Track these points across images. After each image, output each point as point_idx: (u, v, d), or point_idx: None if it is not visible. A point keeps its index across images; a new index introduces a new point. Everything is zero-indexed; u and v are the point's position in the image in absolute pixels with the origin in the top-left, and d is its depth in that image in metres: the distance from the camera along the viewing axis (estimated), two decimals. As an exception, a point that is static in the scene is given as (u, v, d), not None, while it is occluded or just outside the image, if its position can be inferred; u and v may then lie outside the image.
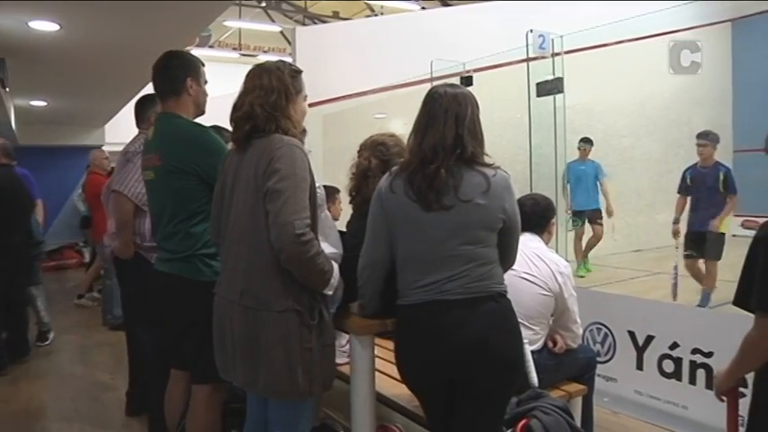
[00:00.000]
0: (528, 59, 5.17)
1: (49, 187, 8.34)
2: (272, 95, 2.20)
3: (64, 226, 10.29)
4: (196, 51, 13.11)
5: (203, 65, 2.83)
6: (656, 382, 3.85)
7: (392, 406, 3.03)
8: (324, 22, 16.17)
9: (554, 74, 5.01)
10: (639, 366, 3.94)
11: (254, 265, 2.17)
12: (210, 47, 17.46)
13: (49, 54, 5.31)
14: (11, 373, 4.98)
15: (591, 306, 4.08)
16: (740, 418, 1.98)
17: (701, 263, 5.92)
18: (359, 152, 2.78)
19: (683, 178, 6.19)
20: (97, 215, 6.32)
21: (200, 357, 2.54)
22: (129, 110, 3.87)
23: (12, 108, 7.39)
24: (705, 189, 5.91)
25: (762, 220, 1.88)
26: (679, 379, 3.74)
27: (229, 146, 2.39)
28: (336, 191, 4.07)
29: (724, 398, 2.04)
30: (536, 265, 2.93)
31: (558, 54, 5.06)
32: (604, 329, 4.12)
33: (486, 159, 2.14)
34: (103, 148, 8.50)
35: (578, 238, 8.15)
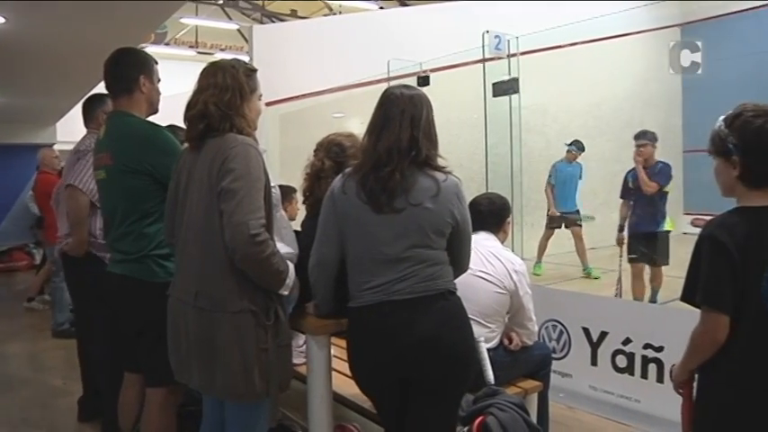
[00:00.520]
0: (484, 60, 5.22)
1: (-3, 187, 8.10)
2: (226, 94, 2.18)
3: (14, 227, 10.00)
4: (151, 48, 12.89)
5: (157, 62, 2.78)
6: (609, 376, 3.92)
7: (350, 405, 3.03)
8: (281, 20, 16.05)
9: (509, 74, 5.07)
10: (594, 362, 4.02)
11: (209, 266, 2.14)
12: (166, 44, 17.20)
13: (-6, 48, 5.16)
14: (-45, 381, 4.81)
15: (546, 303, 4.13)
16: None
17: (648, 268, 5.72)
18: (315, 152, 2.77)
19: (625, 182, 5.95)
20: (48, 216, 6.17)
21: (154, 360, 2.50)
22: (81, 107, 3.77)
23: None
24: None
25: (709, 218, 1.93)
26: (632, 373, 3.82)
27: (185, 146, 2.36)
28: (293, 190, 4.05)
29: (681, 390, 2.10)
30: (492, 263, 2.96)
31: (513, 55, 5.12)
32: (559, 326, 4.19)
33: (440, 162, 2.16)
34: (55, 146, 8.30)
35: (546, 237, 8.23)
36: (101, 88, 3.00)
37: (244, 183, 2.06)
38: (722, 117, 1.90)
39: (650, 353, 3.71)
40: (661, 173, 5.61)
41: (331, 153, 2.68)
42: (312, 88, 7.32)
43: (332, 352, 2.98)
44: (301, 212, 2.92)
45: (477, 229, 3.03)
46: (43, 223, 6.99)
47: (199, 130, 2.18)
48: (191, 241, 2.20)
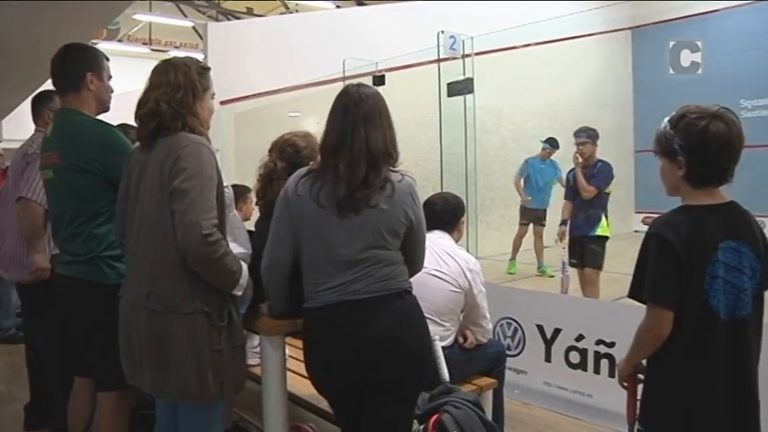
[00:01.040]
0: (439, 60, 5.25)
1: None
2: (178, 92, 2.15)
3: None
4: (103, 45, 12.66)
5: (107, 59, 2.72)
6: (563, 373, 3.99)
7: (305, 405, 3.03)
8: (237, 18, 15.89)
9: (464, 74, 5.10)
10: (548, 359, 4.08)
11: (161, 267, 2.11)
12: (119, 41, 16.86)
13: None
14: None
15: (501, 302, 4.18)
16: (639, 403, 2.09)
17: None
18: (269, 152, 2.75)
19: (568, 181, 5.82)
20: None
21: (105, 363, 2.45)
22: (29, 104, 3.66)
23: None
24: None
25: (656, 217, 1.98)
26: (584, 369, 3.89)
27: (136, 145, 2.32)
28: (248, 190, 4.01)
29: (626, 384, 2.15)
30: (446, 262, 2.98)
31: (468, 55, 5.16)
32: (514, 324, 4.24)
33: (397, 162, 2.16)
34: (1, 144, 8.04)
35: (519, 236, 8.29)
36: (49, 85, 2.92)
37: (196, 182, 2.04)
38: (667, 118, 1.95)
39: (602, 348, 3.79)
40: (600, 174, 5.42)
41: (284, 154, 2.67)
42: (268, 87, 7.27)
43: (287, 352, 2.98)
44: (257, 212, 2.90)
45: (431, 228, 3.04)
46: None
47: (150, 129, 2.15)
48: (142, 242, 2.16)
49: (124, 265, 2.37)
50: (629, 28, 12.21)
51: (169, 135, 2.13)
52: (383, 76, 6.03)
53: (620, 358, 2.17)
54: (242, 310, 2.32)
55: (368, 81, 5.86)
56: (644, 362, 2.05)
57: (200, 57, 7.60)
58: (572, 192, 5.64)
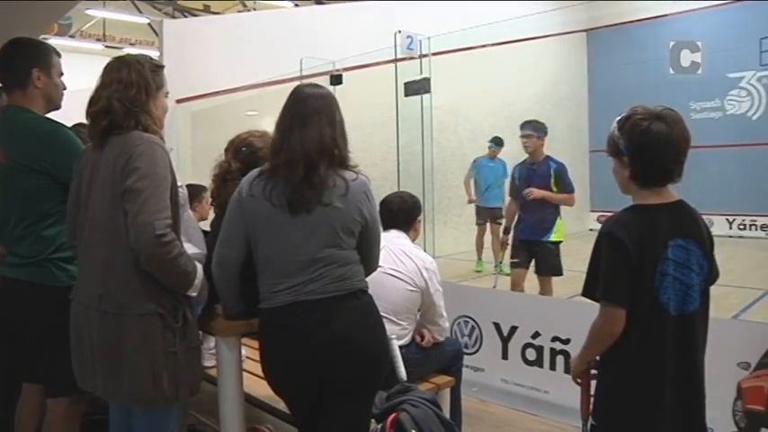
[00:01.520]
0: (396, 60, 5.26)
1: None
2: (131, 90, 2.11)
3: None
4: (55, 41, 12.34)
5: (59, 55, 2.64)
6: (520, 369, 4.04)
7: (262, 406, 3.02)
8: (194, 15, 15.67)
9: (421, 74, 5.12)
10: (505, 356, 4.12)
11: (113, 268, 2.07)
12: (71, 36, 16.45)
13: None
14: None
15: (458, 300, 4.21)
16: (592, 398, 2.13)
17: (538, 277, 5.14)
18: (225, 151, 2.73)
19: (512, 179, 5.45)
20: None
21: (55, 368, 2.39)
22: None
23: None
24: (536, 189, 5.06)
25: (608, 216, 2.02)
26: (541, 366, 3.95)
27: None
28: (203, 190, 3.97)
29: (579, 380, 2.19)
30: (402, 261, 2.99)
31: (425, 55, 5.18)
32: (471, 322, 4.27)
33: (351, 161, 2.17)
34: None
35: (480, 234, 8.39)
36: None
37: (149, 182, 2.01)
38: (617, 119, 1.99)
39: (558, 345, 3.85)
40: (563, 175, 5.09)
41: (240, 154, 2.65)
42: (225, 85, 7.19)
43: (244, 353, 2.95)
44: (212, 212, 2.88)
45: (388, 227, 3.07)
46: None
47: (102, 127, 2.11)
48: (94, 243, 2.12)
49: (76, 267, 2.32)
50: (585, 30, 12.46)
51: (122, 134, 2.09)
52: (340, 75, 6.02)
53: (575, 355, 2.21)
54: (197, 310, 2.29)
55: (325, 80, 5.85)
56: (597, 358, 2.09)
57: (155, 54, 7.48)
58: (517, 191, 5.32)
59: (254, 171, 2.19)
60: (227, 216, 2.21)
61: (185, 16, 15.74)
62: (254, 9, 15.62)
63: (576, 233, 9.49)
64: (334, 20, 8.33)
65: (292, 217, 2.08)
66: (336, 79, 5.93)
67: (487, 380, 4.18)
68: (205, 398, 2.72)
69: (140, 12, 16.93)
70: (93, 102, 2.14)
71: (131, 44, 17.54)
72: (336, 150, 2.10)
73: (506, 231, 5.60)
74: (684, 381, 1.96)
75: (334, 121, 2.12)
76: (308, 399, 2.21)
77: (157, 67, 2.24)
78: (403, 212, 3.14)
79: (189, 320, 2.16)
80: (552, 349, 3.88)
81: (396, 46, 5.19)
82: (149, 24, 16.97)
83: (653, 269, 1.91)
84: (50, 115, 2.59)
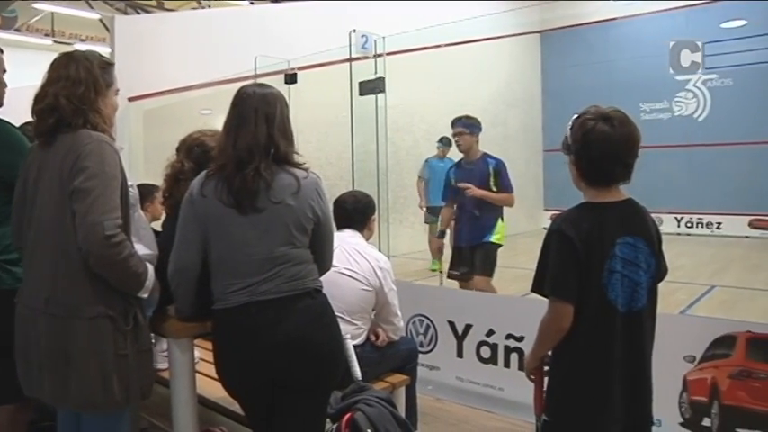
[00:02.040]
0: (351, 59, 5.26)
1: None
2: (79, 87, 2.07)
3: None
4: (-2, 35, 11.96)
5: (2, 51, 2.57)
6: (475, 367, 4.07)
7: (216, 408, 2.99)
8: (147, 11, 15.39)
9: (376, 74, 5.13)
10: (460, 354, 4.15)
11: (61, 270, 2.02)
12: (17, 30, 15.99)
13: None
14: None
15: (413, 299, 4.24)
16: (545, 394, 2.16)
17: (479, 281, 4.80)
18: (176, 151, 2.70)
19: (447, 181, 5.07)
20: None
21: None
22: None
23: None
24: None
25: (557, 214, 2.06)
26: (495, 363, 3.99)
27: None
28: (155, 189, 3.90)
29: (533, 377, 2.22)
30: (356, 260, 3.00)
31: (380, 55, 5.19)
32: (426, 321, 4.29)
33: (298, 159, 2.18)
34: None
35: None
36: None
37: (98, 181, 1.97)
38: (573, 118, 2.03)
39: (512, 343, 3.90)
40: (502, 177, 4.78)
41: (192, 154, 2.63)
42: (178, 83, 7.07)
43: (198, 354, 2.92)
44: (164, 212, 2.84)
45: (342, 226, 3.08)
46: None
47: (48, 125, 2.06)
48: (40, 244, 2.07)
49: (22, 270, 2.26)
50: (538, 31, 12.67)
51: (70, 132, 2.05)
52: (295, 74, 5.98)
53: (528, 352, 2.24)
54: (148, 312, 2.26)
55: (280, 79, 5.81)
56: (550, 354, 2.12)
57: (106, 51, 7.33)
58: (452, 192, 5.01)
59: (204, 172, 2.19)
60: (181, 219, 2.19)
61: (138, 12, 15.45)
62: (209, 6, 15.43)
63: (530, 232, 9.64)
64: (289, 18, 8.27)
65: (244, 216, 2.07)
66: (291, 78, 5.90)
67: (443, 378, 4.21)
68: (158, 400, 2.69)
69: (91, 7, 16.53)
70: (38, 99, 2.09)
71: (82, 40, 17.14)
72: (273, 148, 2.10)
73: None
74: (633, 375, 2.00)
75: (273, 120, 2.12)
76: (262, 399, 2.21)
77: (107, 65, 2.20)
78: (357, 212, 3.15)
79: (140, 322, 2.12)
80: (506, 347, 3.93)
81: (350, 45, 5.19)
82: (101, 20, 16.59)
83: (601, 266, 1.94)
84: (-5, 113, 2.52)
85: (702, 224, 11.71)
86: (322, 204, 2.19)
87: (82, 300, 2.01)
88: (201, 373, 2.85)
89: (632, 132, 1.96)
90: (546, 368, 2.17)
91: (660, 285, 2.10)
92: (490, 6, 8.34)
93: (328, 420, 2.41)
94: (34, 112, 2.10)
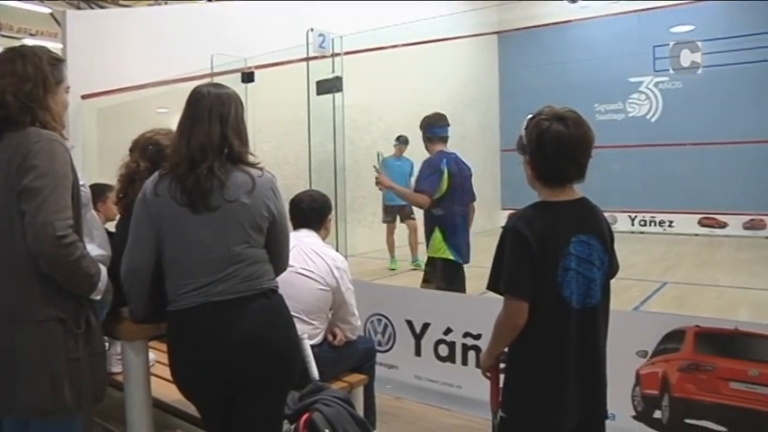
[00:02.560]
0: (308, 58, 5.24)
1: None
2: (27, 84, 2.02)
3: None
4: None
5: None
6: (433, 366, 4.09)
7: (172, 411, 2.95)
8: (101, 7, 15.06)
9: (333, 73, 5.12)
10: (418, 353, 4.17)
11: (9, 272, 1.96)
12: (-41, 23, 15.48)
13: None
14: None
15: (371, 298, 4.25)
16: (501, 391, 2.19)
17: None
18: (130, 151, 2.67)
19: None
20: None
21: None
22: None
23: None
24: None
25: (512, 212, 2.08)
26: (453, 361, 4.01)
27: None
28: (109, 189, 3.83)
29: (489, 374, 2.24)
30: (313, 260, 2.99)
31: (338, 54, 5.18)
32: (384, 320, 4.30)
33: (252, 159, 2.17)
34: None
35: (390, 232, 8.47)
36: None
37: (48, 180, 1.92)
38: (527, 117, 2.05)
39: (469, 341, 3.93)
40: (422, 173, 4.45)
41: (147, 153, 2.60)
42: (134, 81, 6.94)
43: (154, 357, 2.88)
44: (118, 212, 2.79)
45: (298, 226, 3.07)
46: None
47: None
48: None
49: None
50: (496, 32, 12.81)
51: (17, 130, 1.99)
52: (252, 73, 5.94)
53: (484, 349, 2.26)
54: (101, 314, 2.22)
55: (237, 78, 5.76)
56: (506, 351, 2.15)
57: (58, 47, 7.15)
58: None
59: (158, 171, 2.18)
60: (134, 218, 2.17)
61: (92, 8, 15.11)
62: (165, 3, 15.19)
63: (487, 230, 9.71)
64: (246, 16, 8.19)
65: (197, 215, 2.06)
66: (248, 77, 5.85)
67: (401, 377, 4.22)
68: (112, 405, 2.65)
69: (41, 0, 16.11)
70: None
71: (32, 35, 16.64)
72: (227, 147, 2.10)
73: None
74: (587, 371, 2.04)
75: (227, 119, 2.12)
76: (218, 401, 2.19)
77: (57, 61, 2.15)
78: (313, 211, 3.14)
79: (92, 325, 2.08)
80: (464, 345, 3.96)
81: (308, 44, 5.17)
82: (51, 14, 16.18)
83: (556, 264, 1.97)
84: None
85: (655, 222, 12.00)
86: (277, 203, 2.19)
87: (31, 302, 1.96)
88: (157, 376, 2.81)
89: (586, 132, 1.99)
90: (502, 365, 2.19)
91: (614, 282, 2.14)
92: (448, 7, 8.41)
93: (286, 421, 2.40)
94: None
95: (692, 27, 10.30)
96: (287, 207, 2.42)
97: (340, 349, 3.10)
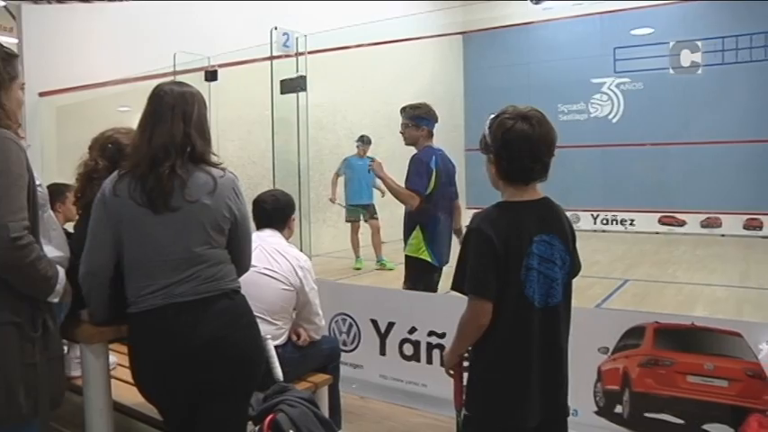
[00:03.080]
0: (272, 57, 5.21)
1: None
2: None
3: None
4: None
5: None
6: (398, 365, 4.10)
7: (133, 415, 2.90)
8: (60, 1, 14.73)
9: (297, 72, 5.10)
10: (383, 352, 4.17)
11: None
12: None
13: None
14: None
15: (335, 298, 4.24)
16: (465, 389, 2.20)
17: None
18: (89, 149, 2.62)
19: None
20: None
21: None
22: None
23: None
24: None
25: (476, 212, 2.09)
26: (418, 360, 4.03)
27: None
28: (67, 188, 3.76)
29: (452, 372, 2.26)
30: (276, 260, 2.98)
31: (302, 53, 5.16)
32: (349, 319, 4.29)
33: (214, 159, 2.15)
34: None
35: (354, 232, 8.48)
36: None
37: (2, 181, 1.87)
38: (489, 117, 2.06)
39: (434, 339, 3.94)
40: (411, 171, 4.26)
41: (106, 152, 2.56)
42: (94, 78, 6.82)
43: (115, 360, 2.83)
44: (77, 212, 2.74)
45: (262, 226, 3.06)
46: None
47: None
48: None
49: None
50: (461, 33, 12.90)
51: None
52: (216, 71, 5.88)
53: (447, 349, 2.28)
54: (60, 317, 2.17)
55: (200, 76, 5.70)
56: (470, 349, 2.16)
57: (13, 42, 6.97)
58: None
59: (117, 170, 2.14)
60: (93, 219, 2.14)
61: (49, 2, 14.78)
62: (127, -1, 14.92)
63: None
64: (209, 14, 8.11)
65: (158, 216, 2.03)
66: (211, 75, 5.80)
67: (366, 376, 4.22)
68: (72, 409, 2.62)
69: (-5, -7, 15.70)
70: None
71: (-14, 29, 16.26)
72: (189, 147, 2.08)
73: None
74: (549, 368, 2.06)
75: (190, 118, 2.10)
76: (180, 404, 2.17)
77: (9, 56, 2.08)
78: (276, 211, 3.13)
79: (50, 329, 2.03)
80: (429, 343, 3.97)
81: (272, 43, 5.14)
82: (6, 7, 15.77)
83: (519, 264, 1.98)
84: None
85: (617, 221, 12.21)
86: (239, 203, 2.17)
87: None
88: (118, 379, 2.77)
89: (550, 131, 2.01)
90: (465, 364, 2.21)
91: (577, 280, 2.16)
92: (414, 7, 8.44)
93: (250, 422, 2.39)
94: None
95: (650, 30, 10.51)
96: (250, 207, 2.40)
97: (304, 349, 3.09)
